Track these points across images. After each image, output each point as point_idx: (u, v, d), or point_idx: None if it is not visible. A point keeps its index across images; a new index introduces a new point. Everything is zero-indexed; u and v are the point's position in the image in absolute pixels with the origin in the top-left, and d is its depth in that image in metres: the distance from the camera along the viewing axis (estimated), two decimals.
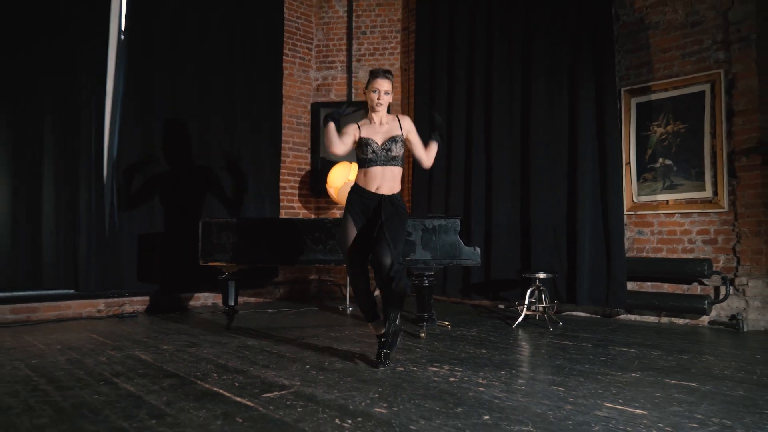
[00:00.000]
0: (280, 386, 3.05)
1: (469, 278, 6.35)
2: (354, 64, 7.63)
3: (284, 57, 7.36)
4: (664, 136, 5.39)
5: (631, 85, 5.64)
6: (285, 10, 7.41)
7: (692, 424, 2.42)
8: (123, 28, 5.82)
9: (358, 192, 3.61)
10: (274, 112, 7.04)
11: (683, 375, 3.31)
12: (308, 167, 7.58)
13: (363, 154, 3.58)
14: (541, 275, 5.07)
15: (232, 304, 4.93)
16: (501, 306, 6.38)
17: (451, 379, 3.22)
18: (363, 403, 2.73)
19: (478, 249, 4.60)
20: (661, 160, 5.40)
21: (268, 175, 6.90)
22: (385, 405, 2.71)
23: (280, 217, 7.08)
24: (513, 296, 5.92)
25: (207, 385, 3.05)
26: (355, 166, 6.56)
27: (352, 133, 3.61)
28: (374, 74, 3.56)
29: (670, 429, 2.37)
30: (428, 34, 7.02)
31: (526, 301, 5.10)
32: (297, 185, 7.51)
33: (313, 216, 7.50)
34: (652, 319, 5.39)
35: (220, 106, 6.50)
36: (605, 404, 2.72)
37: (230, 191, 6.53)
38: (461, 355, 3.87)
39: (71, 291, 5.32)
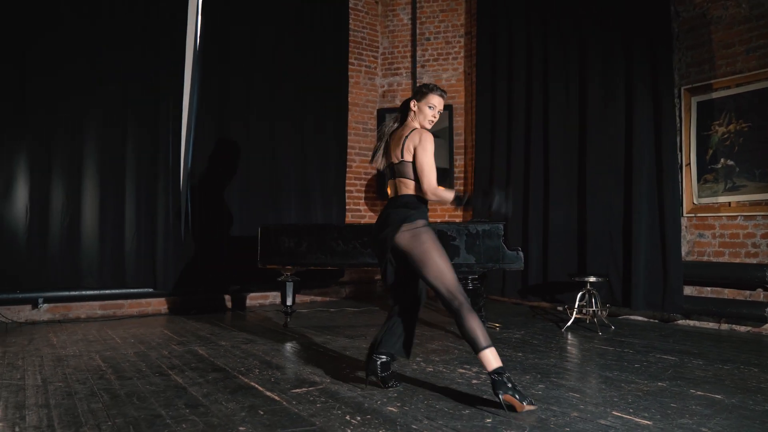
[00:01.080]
0: (310, 383, 3.31)
1: (527, 280, 6.36)
2: (418, 69, 7.79)
3: (350, 66, 7.67)
4: (725, 136, 5.15)
5: (691, 83, 5.42)
6: (351, 21, 7.72)
7: None
8: (198, 46, 6.32)
9: (425, 209, 3.21)
10: (340, 118, 7.35)
11: (713, 386, 3.25)
12: (374, 171, 7.84)
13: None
14: (592, 279, 5.02)
15: (290, 303, 5.27)
16: (559, 308, 6.33)
17: (474, 381, 3.35)
18: (379, 402, 2.93)
19: (521, 253, 4.65)
20: (722, 160, 5.17)
21: (334, 180, 7.23)
22: (398, 404, 2.90)
23: (346, 220, 7.40)
24: (569, 299, 5.87)
25: (246, 380, 3.36)
26: None
27: None
28: (431, 89, 3.23)
29: None
30: (489, 38, 7.09)
31: (576, 305, 5.08)
32: (363, 188, 7.80)
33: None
34: (711, 325, 5.18)
35: (289, 115, 6.89)
36: (613, 413, 2.76)
37: (299, 196, 6.91)
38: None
39: (150, 290, 5.88)
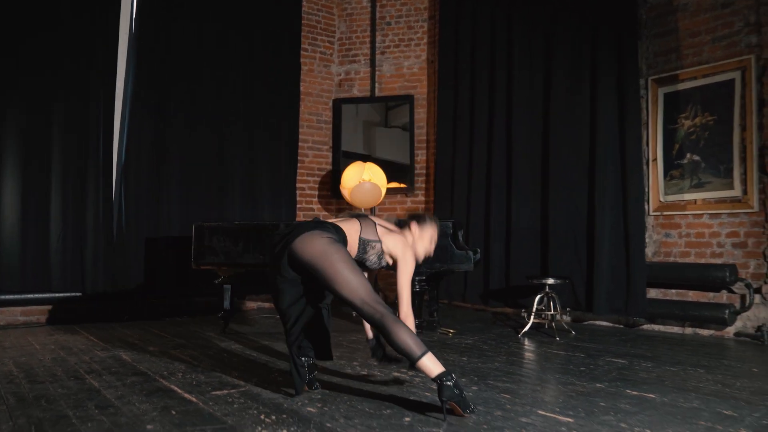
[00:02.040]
0: (233, 385, 3.55)
1: (488, 284, 6.65)
2: (378, 56, 8.07)
3: (303, 52, 7.93)
4: (692, 130, 5.49)
5: (658, 73, 5.77)
6: (304, 2, 7.97)
7: None
8: (133, 31, 6.53)
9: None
10: (291, 110, 7.60)
11: (651, 386, 3.54)
12: (329, 167, 8.09)
13: None
14: (550, 281, 5.32)
15: (228, 308, 5.50)
16: (523, 313, 6.63)
17: (406, 383, 3.61)
18: (300, 403, 3.17)
19: (470, 253, 4.93)
20: (688, 155, 5.51)
21: (284, 177, 7.47)
22: (319, 405, 3.14)
23: (296, 219, 7.63)
24: (530, 303, 6.16)
25: (166, 383, 3.58)
26: (369, 165, 7.00)
27: None
28: (435, 222, 3.67)
29: None
30: (452, 25, 7.40)
31: (534, 308, 5.37)
32: (317, 186, 8.04)
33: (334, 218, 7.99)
34: (676, 329, 5.51)
35: (235, 107, 7.12)
36: (538, 412, 3.03)
37: (246, 194, 7.14)
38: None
39: (79, 294, 6.07)
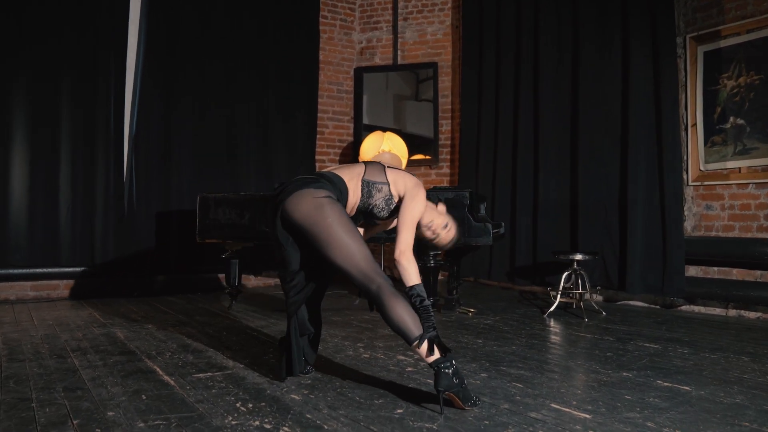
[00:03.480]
0: (219, 367, 3.22)
1: (515, 261, 6.20)
2: (401, 23, 7.58)
3: (323, 20, 7.50)
4: (735, 91, 4.91)
5: (697, 30, 5.18)
6: None
7: None
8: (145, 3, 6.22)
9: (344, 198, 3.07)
10: (310, 79, 7.20)
11: (686, 377, 3.08)
12: (351, 138, 7.68)
13: None
14: (578, 257, 4.85)
15: (235, 284, 5.18)
16: (551, 292, 6.18)
17: (408, 369, 3.22)
18: (285, 389, 2.82)
19: (489, 225, 4.49)
20: (732, 119, 4.93)
21: (302, 148, 7.11)
22: (306, 392, 2.78)
23: None
24: (557, 281, 5.71)
25: (150, 363, 3.28)
26: (389, 134, 6.57)
27: None
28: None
29: None
30: None
31: (561, 287, 4.91)
32: (337, 158, 7.65)
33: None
34: (718, 311, 4.98)
35: (251, 75, 6.75)
36: (552, 405, 2.60)
37: (261, 166, 6.80)
38: (449, 345, 3.80)
39: (88, 269, 5.83)
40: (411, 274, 2.72)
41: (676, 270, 4.96)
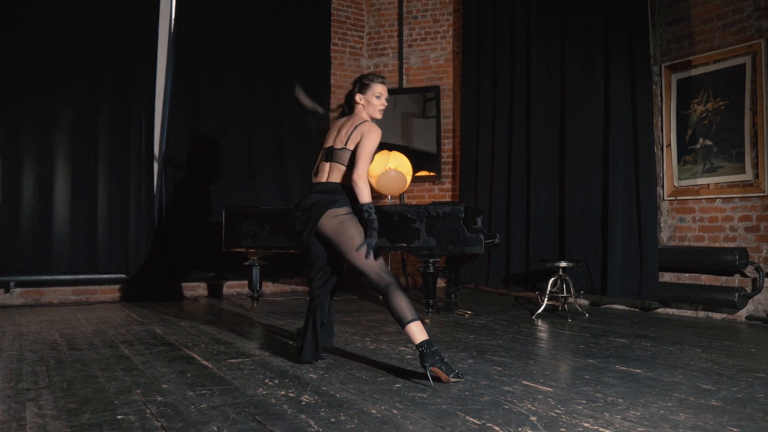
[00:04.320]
0: (248, 355, 3.83)
1: (509, 268, 6.78)
2: (405, 49, 8.25)
3: (333, 47, 8.18)
4: (704, 115, 5.50)
5: (671, 60, 5.78)
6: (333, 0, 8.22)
7: (581, 400, 2.86)
8: (172, 29, 6.92)
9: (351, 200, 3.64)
10: (322, 102, 7.84)
11: (641, 363, 3.65)
12: None
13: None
14: (563, 264, 5.43)
15: (257, 288, 5.81)
16: (541, 296, 6.75)
17: (408, 356, 3.81)
18: (304, 370, 3.42)
19: (481, 236, 5.08)
20: (701, 140, 5.52)
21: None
22: (321, 372, 3.38)
23: None
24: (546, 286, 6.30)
25: (188, 352, 3.89)
26: (394, 153, 7.20)
27: None
28: (372, 79, 3.67)
29: (560, 406, 2.84)
30: (474, 18, 7.54)
31: (547, 291, 5.49)
32: None
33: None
34: (689, 313, 5.54)
35: (268, 99, 7.41)
36: (522, 382, 3.19)
37: (278, 183, 7.45)
38: (445, 339, 4.43)
39: (123, 275, 6.49)
40: (365, 193, 3.45)
41: (651, 275, 5.51)
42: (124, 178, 6.57)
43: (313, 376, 3.30)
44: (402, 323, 3.26)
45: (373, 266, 3.37)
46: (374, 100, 3.65)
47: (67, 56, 6.36)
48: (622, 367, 3.53)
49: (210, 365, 3.52)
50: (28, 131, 6.18)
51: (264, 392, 2.95)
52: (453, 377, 3.16)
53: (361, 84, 3.67)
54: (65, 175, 6.33)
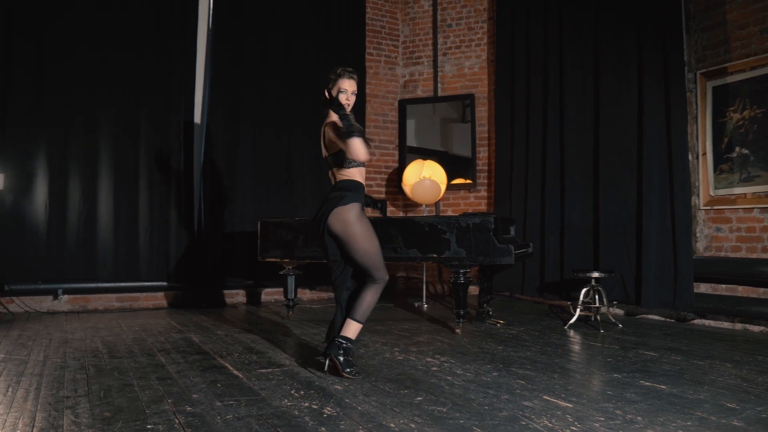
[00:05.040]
0: (278, 365, 3.95)
1: (544, 277, 6.77)
2: (440, 58, 8.30)
3: (368, 56, 8.30)
4: (740, 123, 5.41)
5: (707, 67, 5.70)
6: (369, 9, 8.36)
7: (599, 417, 2.88)
8: (209, 36, 7.13)
9: (363, 191, 3.82)
10: (357, 110, 7.91)
11: (667, 378, 3.63)
12: (395, 165, 8.40)
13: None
14: (596, 274, 5.41)
15: (292, 297, 5.96)
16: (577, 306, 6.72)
17: (433, 368, 3.88)
18: (330, 381, 3.53)
19: (511, 247, 5.10)
20: (737, 149, 5.43)
21: None
22: (346, 383, 3.48)
23: None
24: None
25: (221, 361, 4.04)
26: (429, 162, 7.26)
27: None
28: (339, 74, 3.75)
29: (577, 423, 2.87)
30: (508, 27, 7.57)
31: (580, 301, 5.47)
32: (384, 183, 8.39)
33: (401, 213, 8.33)
34: (726, 325, 5.44)
35: (303, 108, 7.57)
36: (543, 396, 3.22)
37: (314, 190, 7.59)
38: (473, 350, 4.48)
39: (164, 283, 6.72)
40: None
41: (686, 287, 5.44)
42: (165, 187, 6.81)
43: (338, 387, 3.40)
44: (351, 315, 3.65)
45: (373, 262, 3.66)
46: (339, 96, 3.73)
47: (107, 64, 6.63)
48: (646, 383, 3.52)
49: (240, 375, 3.66)
50: (72, 144, 6.47)
51: (288, 403, 3.06)
52: (348, 373, 3.55)
53: (330, 80, 3.77)
54: (108, 184, 6.60)
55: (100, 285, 6.48)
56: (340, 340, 3.63)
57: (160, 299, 6.79)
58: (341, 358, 3.59)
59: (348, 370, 3.57)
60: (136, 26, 6.76)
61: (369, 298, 3.66)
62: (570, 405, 3.07)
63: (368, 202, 4.03)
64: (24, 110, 6.27)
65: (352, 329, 3.65)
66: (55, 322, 5.69)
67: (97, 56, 6.58)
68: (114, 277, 6.53)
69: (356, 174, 3.79)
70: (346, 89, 3.76)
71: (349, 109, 3.75)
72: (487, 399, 3.16)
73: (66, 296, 6.35)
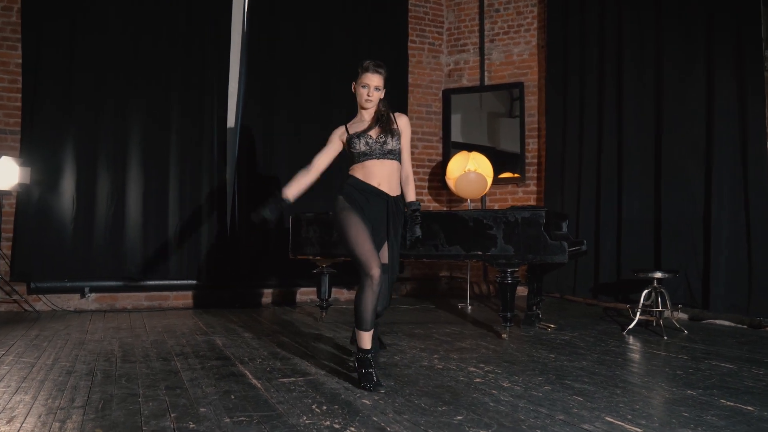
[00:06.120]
0: (303, 373, 3.53)
1: (598, 278, 6.21)
2: (487, 45, 7.77)
3: (411, 44, 7.84)
4: None
5: None
6: None
7: None
8: (245, 31, 6.77)
9: (357, 186, 3.58)
10: (399, 101, 7.49)
11: (753, 397, 3.07)
12: (439, 158, 7.92)
13: (355, 149, 3.63)
14: (658, 275, 4.83)
15: (326, 297, 5.54)
16: (629, 309, 6.14)
17: (476, 380, 3.40)
18: (358, 395, 3.08)
19: (564, 244, 4.57)
20: None
21: None
22: (377, 398, 3.03)
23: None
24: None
25: (241, 368, 3.64)
26: (474, 154, 6.76)
27: (337, 137, 3.80)
28: (364, 68, 3.60)
29: None
30: (561, 11, 7.02)
31: (640, 304, 4.90)
32: (427, 177, 7.91)
33: (444, 209, 7.84)
34: None
35: (342, 102, 7.12)
36: (606, 418, 2.71)
37: None
38: (522, 359, 3.98)
39: (194, 282, 6.39)
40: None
41: (763, 289, 4.83)
42: (196, 182, 6.49)
43: (367, 402, 2.95)
44: (358, 326, 3.32)
45: (358, 254, 3.35)
46: (360, 90, 3.64)
47: (137, 57, 6.35)
48: (729, 402, 2.97)
49: (259, 385, 3.25)
50: (102, 139, 6.19)
51: (307, 421, 2.62)
52: (363, 387, 3.19)
53: (357, 72, 3.66)
54: (137, 178, 6.31)
55: (127, 284, 6.20)
56: (360, 354, 3.32)
57: (189, 298, 6.47)
58: (356, 375, 3.31)
59: (362, 384, 3.21)
60: (168, 14, 6.45)
61: (357, 300, 3.34)
62: (640, 429, 2.55)
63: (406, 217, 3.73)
64: (52, 103, 6.01)
65: (363, 339, 3.33)
66: (78, 322, 5.40)
67: (127, 53, 6.30)
68: (143, 275, 6.23)
69: (356, 170, 3.67)
70: (368, 84, 3.60)
71: (369, 105, 3.66)
72: (539, 420, 2.67)
73: (93, 294, 6.08)
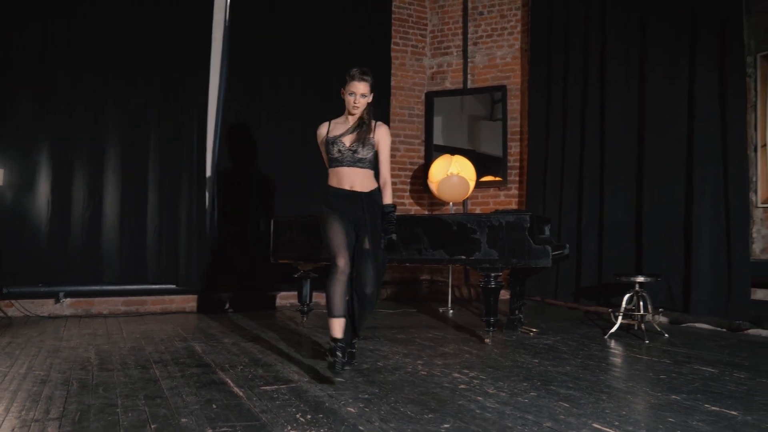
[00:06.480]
0: (285, 381, 3.48)
1: (580, 281, 6.22)
2: (470, 47, 7.77)
3: (394, 46, 7.81)
4: None
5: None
6: None
7: None
8: (226, 30, 6.73)
9: (333, 194, 3.80)
10: (381, 103, 7.44)
11: (736, 401, 3.09)
12: (421, 161, 7.89)
13: (330, 154, 3.83)
14: (640, 279, 4.85)
15: (307, 302, 5.47)
16: (615, 313, 6.16)
17: (461, 386, 3.38)
18: (343, 402, 3.04)
19: (548, 248, 4.57)
20: None
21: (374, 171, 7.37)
22: (361, 405, 2.99)
23: None
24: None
25: (222, 376, 3.57)
26: (457, 158, 6.75)
27: (320, 142, 3.99)
28: (351, 76, 3.72)
29: None
30: (545, 14, 7.04)
31: (622, 308, 4.92)
32: (408, 180, 7.88)
33: (426, 212, 7.82)
34: None
35: (323, 104, 7.05)
36: (594, 425, 2.70)
37: None
38: (506, 364, 3.96)
39: (173, 286, 6.29)
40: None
41: (742, 293, 4.89)
42: (175, 186, 6.36)
43: (352, 410, 2.90)
44: (329, 312, 3.64)
45: (331, 250, 3.68)
46: (348, 97, 3.77)
47: (118, 61, 6.20)
48: (713, 407, 2.98)
49: (241, 393, 3.18)
50: (79, 139, 6.04)
51: (292, 431, 2.57)
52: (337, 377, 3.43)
53: (345, 80, 3.77)
54: (115, 179, 6.16)
55: (103, 288, 6.06)
56: (331, 343, 3.59)
57: (167, 303, 6.35)
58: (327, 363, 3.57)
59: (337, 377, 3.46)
60: (147, 11, 6.33)
61: (325, 288, 3.66)
62: None
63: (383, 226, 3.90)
64: (26, 101, 5.85)
65: (333, 326, 3.64)
66: (52, 328, 5.27)
67: (103, 56, 6.14)
68: (120, 279, 6.09)
69: (331, 177, 3.87)
70: (355, 92, 3.74)
71: (357, 111, 3.79)
72: (526, 427, 2.65)
73: (68, 299, 5.94)
